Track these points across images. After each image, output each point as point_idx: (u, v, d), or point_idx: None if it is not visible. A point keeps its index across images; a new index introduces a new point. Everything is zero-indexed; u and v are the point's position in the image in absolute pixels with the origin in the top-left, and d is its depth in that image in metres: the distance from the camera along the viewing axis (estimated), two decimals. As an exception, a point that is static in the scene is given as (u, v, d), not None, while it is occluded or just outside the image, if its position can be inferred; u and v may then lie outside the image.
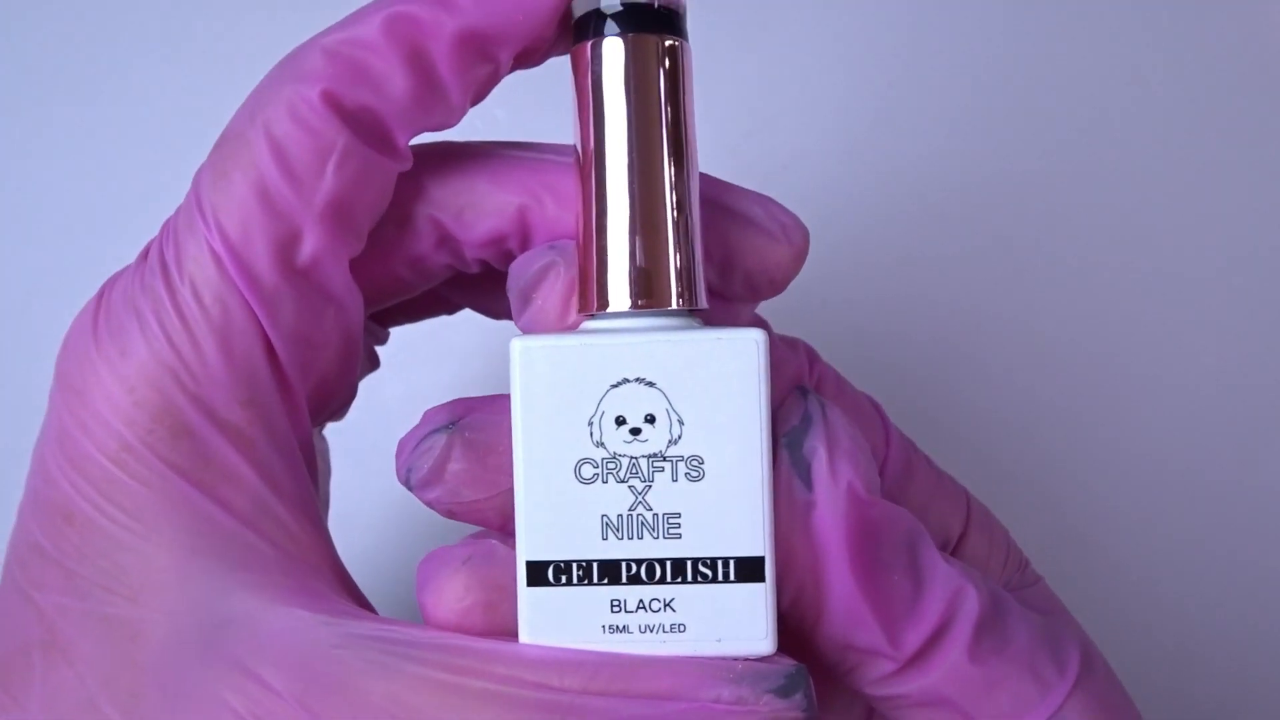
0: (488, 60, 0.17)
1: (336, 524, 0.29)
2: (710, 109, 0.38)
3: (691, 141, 0.18)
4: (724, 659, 0.15)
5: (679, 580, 0.16)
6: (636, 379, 0.16)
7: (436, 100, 0.17)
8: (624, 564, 0.16)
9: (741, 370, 0.16)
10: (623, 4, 0.17)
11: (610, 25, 0.17)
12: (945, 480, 0.21)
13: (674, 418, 0.16)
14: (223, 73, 0.39)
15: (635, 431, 0.16)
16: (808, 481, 0.16)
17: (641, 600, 0.16)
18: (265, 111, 0.17)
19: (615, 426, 0.16)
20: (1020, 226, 0.36)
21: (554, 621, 0.16)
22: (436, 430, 0.16)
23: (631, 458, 0.16)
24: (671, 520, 0.16)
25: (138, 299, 0.17)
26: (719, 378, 0.16)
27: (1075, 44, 0.38)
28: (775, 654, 0.16)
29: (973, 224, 0.36)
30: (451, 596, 0.16)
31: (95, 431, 0.16)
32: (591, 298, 0.17)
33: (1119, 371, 0.35)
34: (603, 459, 0.16)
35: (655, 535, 0.16)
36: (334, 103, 0.17)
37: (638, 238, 0.16)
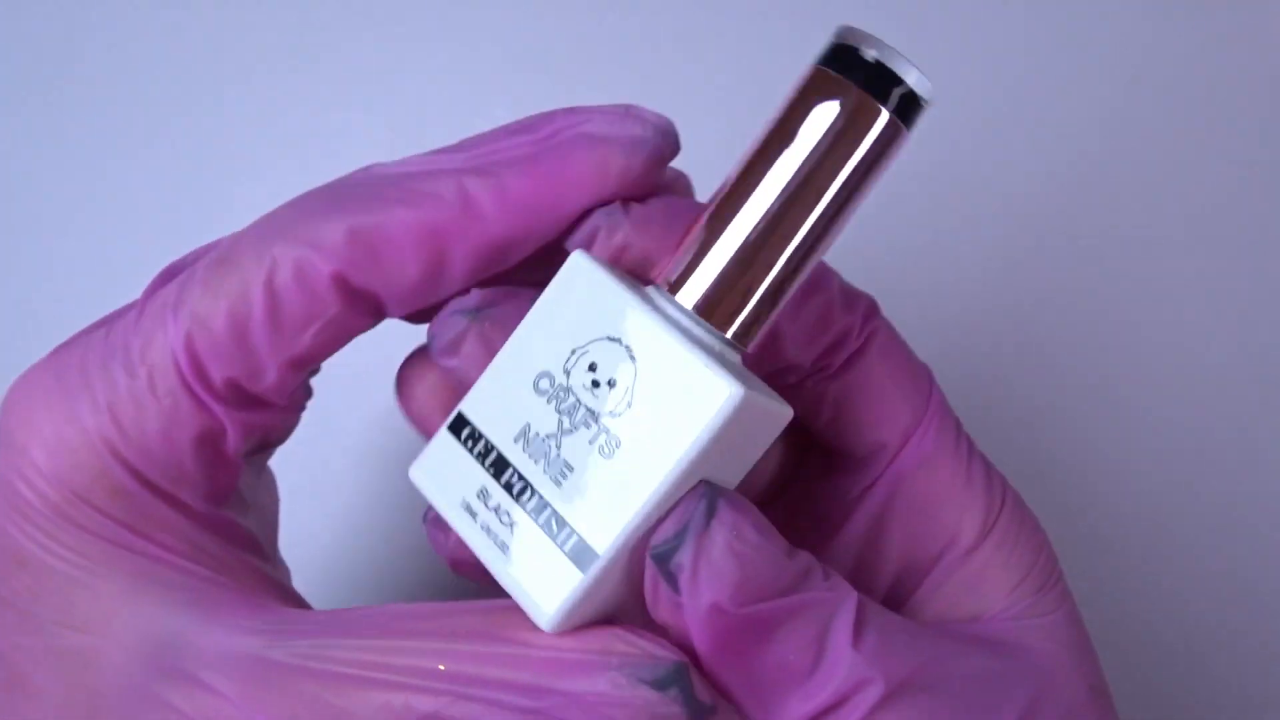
0: (502, 262, 0.18)
1: (335, 523, 0.29)
2: (711, 109, 0.38)
3: (847, 218, 0.17)
4: (605, 651, 0.16)
5: (533, 516, 0.17)
6: (628, 347, 0.16)
7: (442, 290, 0.18)
8: (513, 470, 0.17)
9: (699, 409, 0.16)
10: (884, 70, 0.17)
11: (868, 79, 0.17)
12: (976, 485, 0.20)
13: (629, 396, 0.16)
14: (222, 75, 0.39)
15: (595, 384, 0.17)
16: (675, 588, 0.16)
17: (500, 506, 0.17)
18: (274, 252, 0.17)
19: (586, 370, 0.17)
20: (1021, 226, 0.36)
21: (436, 471, 0.18)
22: (463, 313, 0.18)
23: (578, 400, 0.17)
24: (565, 468, 0.17)
25: (93, 377, 0.17)
26: (681, 398, 0.16)
27: (1076, 43, 0.38)
28: (662, 648, 0.16)
29: (973, 223, 0.36)
30: (422, 391, 0.19)
31: (38, 484, 0.17)
32: (671, 272, 0.17)
33: (1121, 370, 0.35)
34: (559, 385, 0.17)
35: (546, 470, 0.17)
36: (342, 283, 0.17)
37: (740, 264, 0.17)
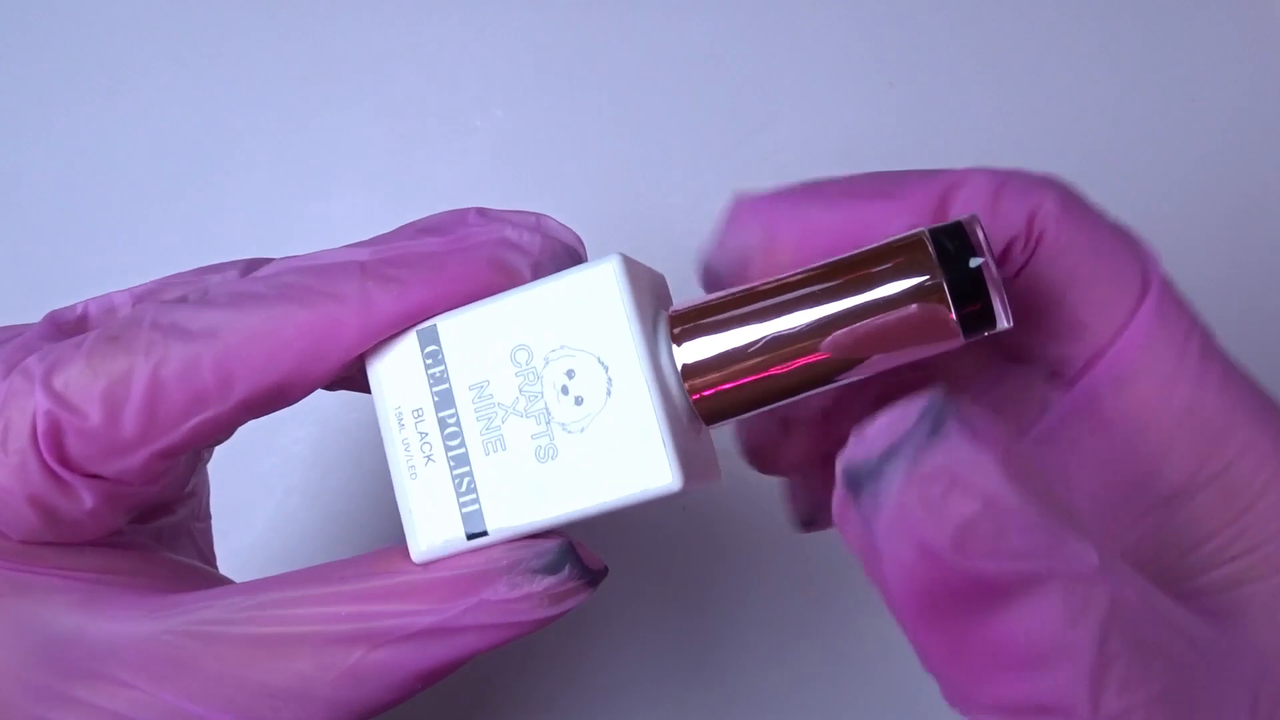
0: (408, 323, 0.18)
1: (334, 524, 0.29)
2: (712, 109, 0.38)
3: (863, 372, 0.16)
4: (490, 561, 0.17)
5: (451, 464, 0.17)
6: (610, 379, 0.16)
7: (326, 380, 0.18)
8: (455, 413, 0.17)
9: (638, 477, 0.16)
10: (979, 286, 0.15)
11: (960, 281, 0.15)
12: (1207, 411, 0.16)
13: (587, 424, 0.16)
14: (222, 75, 0.39)
15: (565, 391, 0.17)
16: (870, 527, 0.14)
17: (427, 435, 0.17)
18: (167, 344, 0.17)
19: (563, 373, 0.17)
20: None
21: (390, 370, 0.18)
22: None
23: (542, 394, 0.17)
24: (500, 444, 0.17)
25: None
26: (628, 457, 0.16)
27: (1076, 42, 0.38)
28: (542, 536, 0.17)
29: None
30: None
31: None
32: (690, 319, 0.17)
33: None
34: (533, 369, 0.17)
35: (483, 434, 0.17)
36: (235, 387, 0.17)
37: (744, 359, 0.16)
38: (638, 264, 0.18)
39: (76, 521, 0.18)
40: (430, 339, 0.18)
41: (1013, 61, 0.38)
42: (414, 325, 0.18)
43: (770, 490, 0.35)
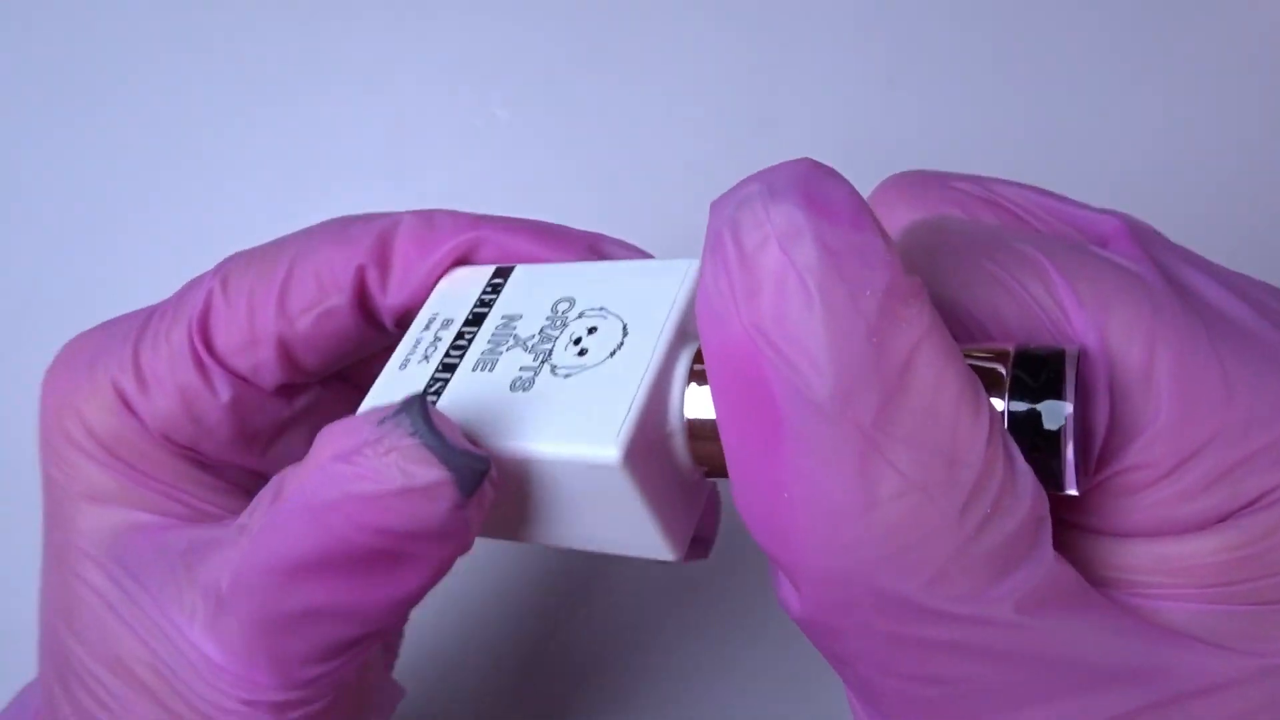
0: None
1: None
2: (713, 108, 0.38)
3: None
4: (367, 420, 0.16)
5: (437, 370, 0.17)
6: (621, 343, 0.16)
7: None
8: (476, 332, 0.17)
9: (586, 437, 0.15)
10: (1050, 442, 0.12)
11: (1027, 430, 0.12)
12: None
13: (576, 374, 0.16)
14: (223, 74, 0.39)
15: (577, 341, 0.16)
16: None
17: (439, 340, 0.17)
18: (303, 246, 0.19)
19: (587, 329, 0.16)
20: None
21: (457, 284, 0.18)
22: None
23: (555, 338, 0.16)
24: (490, 366, 0.17)
25: (127, 327, 0.19)
26: (590, 414, 0.15)
27: (1077, 41, 0.38)
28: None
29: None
30: None
31: (51, 406, 0.19)
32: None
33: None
34: (564, 317, 0.17)
35: (484, 354, 0.17)
36: (360, 279, 0.18)
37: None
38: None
39: (211, 421, 0.18)
40: (503, 274, 0.18)
41: (1013, 60, 0.38)
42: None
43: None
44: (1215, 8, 0.38)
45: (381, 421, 0.14)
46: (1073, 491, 0.13)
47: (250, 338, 0.18)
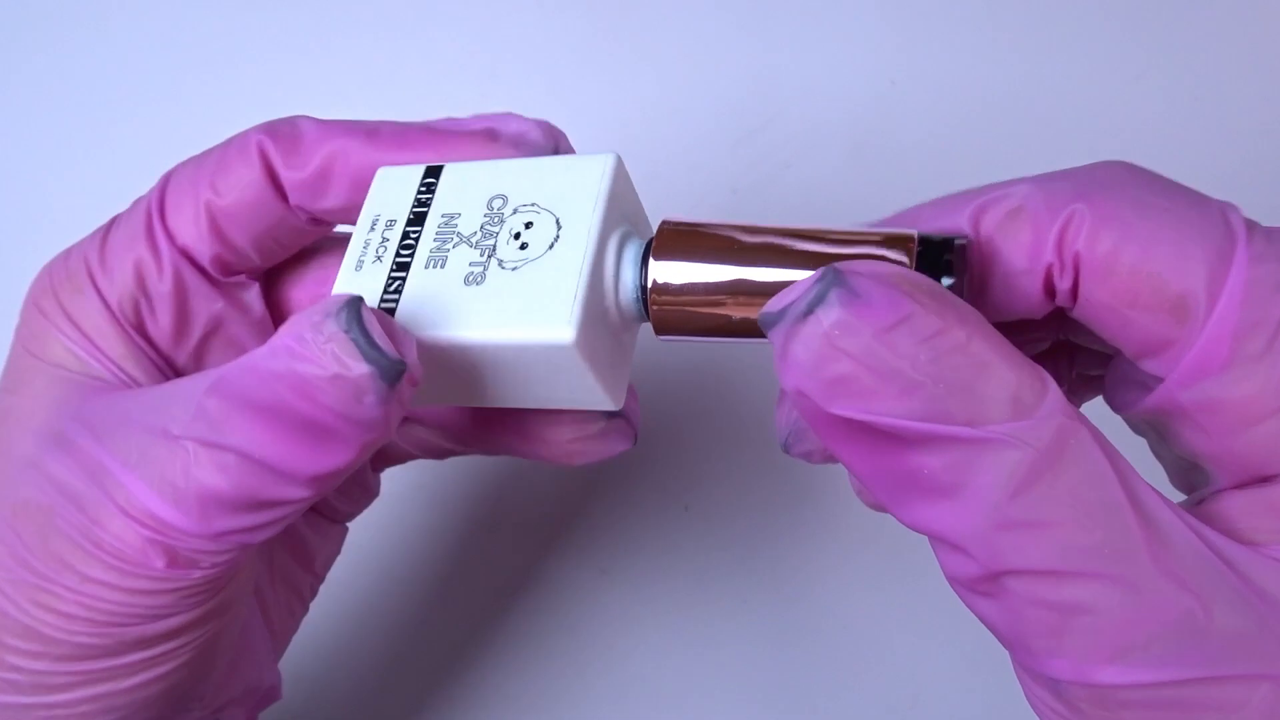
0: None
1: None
2: (714, 107, 0.38)
3: None
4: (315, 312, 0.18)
5: (391, 269, 0.19)
6: (558, 237, 0.18)
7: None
8: (420, 231, 0.19)
9: (537, 321, 0.17)
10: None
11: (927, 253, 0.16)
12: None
13: (522, 267, 0.18)
14: (223, 73, 0.39)
15: (517, 236, 0.18)
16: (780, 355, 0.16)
17: (387, 241, 0.19)
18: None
19: (524, 223, 0.18)
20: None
21: (391, 182, 0.20)
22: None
23: (496, 233, 0.18)
24: (441, 263, 0.18)
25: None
26: (538, 303, 0.17)
27: (1079, 41, 0.38)
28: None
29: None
30: None
31: (35, 289, 0.22)
32: (674, 238, 0.18)
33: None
34: (499, 213, 0.19)
35: (432, 251, 0.19)
36: (263, 151, 0.21)
37: (700, 298, 0.18)
38: (628, 178, 0.19)
39: (157, 296, 0.21)
40: (433, 173, 0.20)
41: (1015, 59, 0.38)
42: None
43: (772, 486, 0.35)
44: (1220, 4, 0.38)
45: (327, 315, 0.17)
46: None
47: (190, 214, 0.21)
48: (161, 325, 0.21)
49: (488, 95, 0.38)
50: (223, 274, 0.21)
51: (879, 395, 0.14)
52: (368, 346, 0.16)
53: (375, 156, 0.20)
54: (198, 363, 0.22)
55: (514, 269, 0.18)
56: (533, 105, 0.38)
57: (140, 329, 0.21)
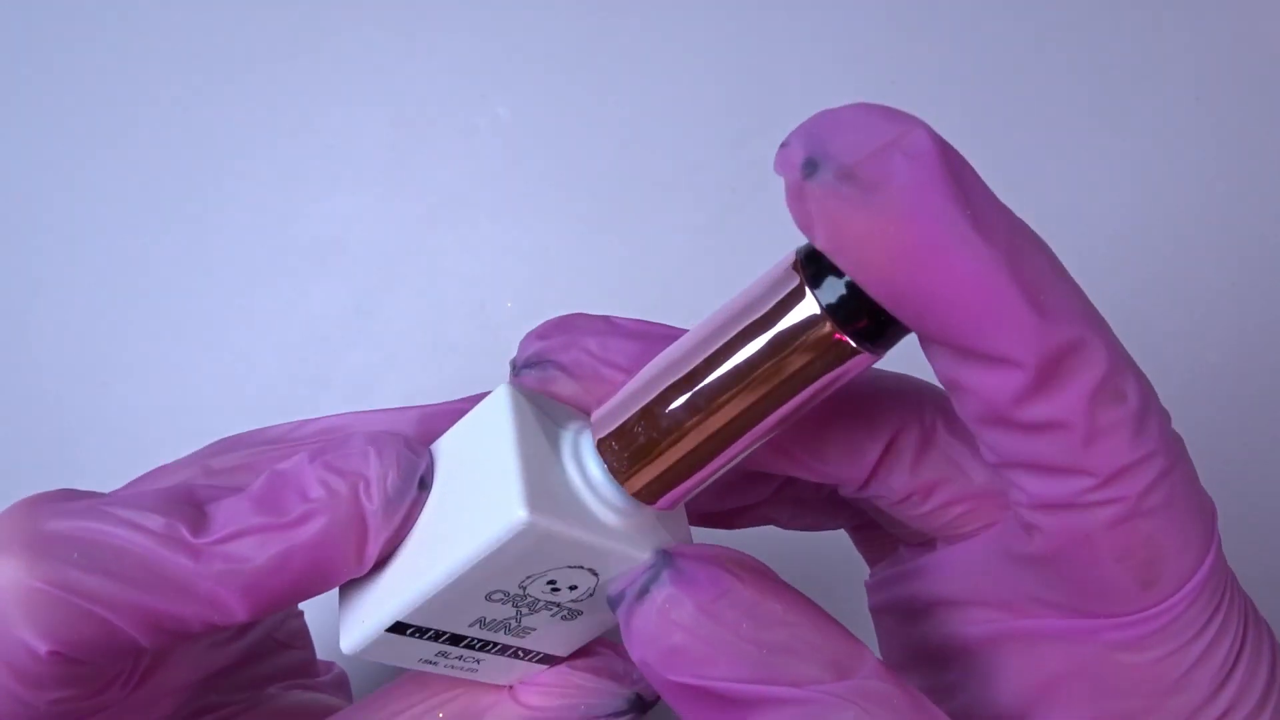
0: None
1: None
2: (715, 109, 0.38)
3: (769, 429, 0.16)
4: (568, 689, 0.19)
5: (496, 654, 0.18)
6: (583, 567, 0.17)
7: None
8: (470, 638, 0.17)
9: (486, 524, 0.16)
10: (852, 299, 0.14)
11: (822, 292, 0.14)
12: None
13: (583, 599, 0.17)
14: (224, 72, 0.39)
15: (555, 589, 0.17)
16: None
17: (464, 656, 0.18)
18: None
19: (548, 587, 0.17)
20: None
21: (382, 650, 0.17)
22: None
23: (539, 602, 0.17)
24: (519, 630, 0.18)
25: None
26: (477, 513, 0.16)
27: (1080, 42, 0.38)
28: (617, 685, 0.19)
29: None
30: None
31: None
32: (608, 425, 0.17)
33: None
34: (511, 596, 0.17)
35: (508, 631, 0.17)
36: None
37: (660, 453, 0.16)
38: (532, 422, 0.17)
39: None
40: (400, 628, 0.17)
41: (1016, 61, 0.38)
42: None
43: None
44: (1220, 8, 0.38)
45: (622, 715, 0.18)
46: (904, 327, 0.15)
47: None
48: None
49: (486, 99, 0.38)
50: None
51: (710, 661, 0.16)
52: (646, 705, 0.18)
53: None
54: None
55: (590, 596, 0.17)
56: (533, 105, 0.38)
57: None
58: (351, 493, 0.16)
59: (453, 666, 0.18)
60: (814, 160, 0.13)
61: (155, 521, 0.16)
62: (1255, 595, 0.18)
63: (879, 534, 0.22)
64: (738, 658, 0.16)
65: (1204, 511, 0.16)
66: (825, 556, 0.17)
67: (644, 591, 0.16)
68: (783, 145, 0.14)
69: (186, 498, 0.17)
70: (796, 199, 0.14)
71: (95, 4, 0.39)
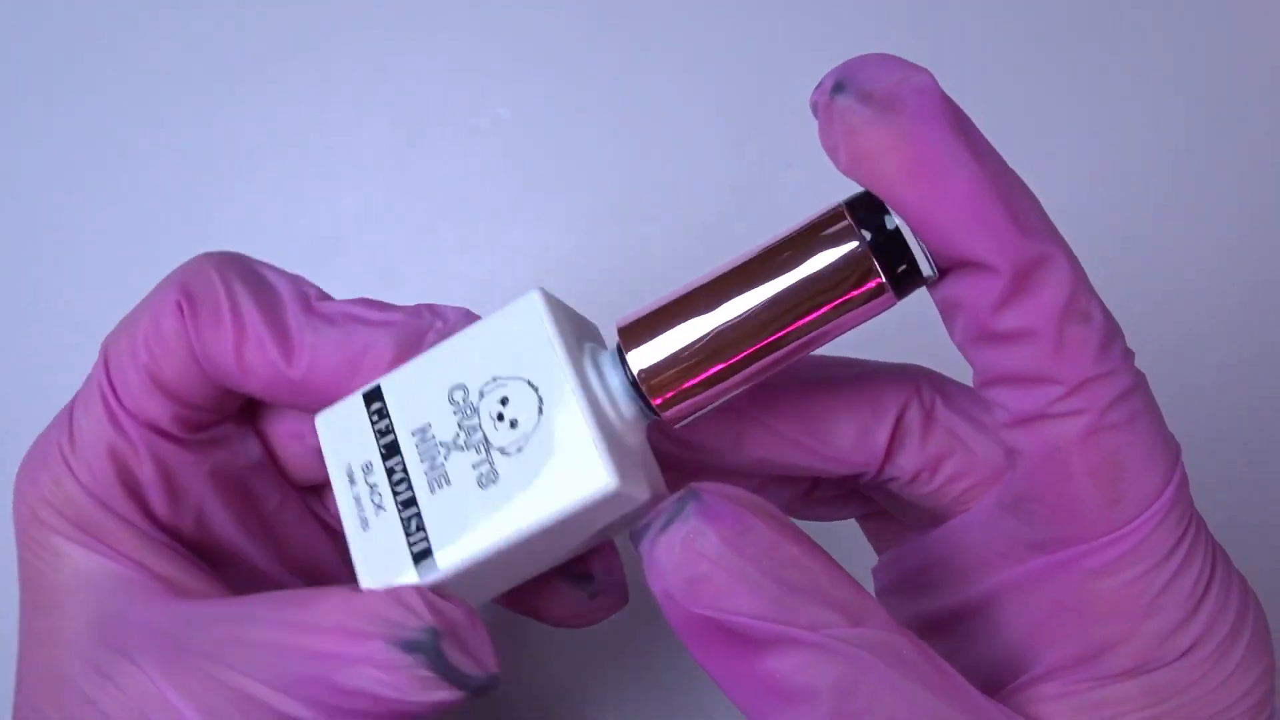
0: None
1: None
2: (715, 108, 0.38)
3: (810, 347, 0.17)
4: (375, 618, 0.17)
5: (400, 509, 0.18)
6: (541, 398, 0.17)
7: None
8: (400, 459, 0.18)
9: (576, 482, 0.17)
10: (898, 240, 0.17)
11: (880, 243, 0.17)
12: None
13: (523, 443, 0.17)
14: (224, 72, 0.39)
15: (500, 418, 0.17)
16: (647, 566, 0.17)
17: (376, 485, 0.18)
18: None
19: (498, 401, 0.18)
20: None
21: (338, 427, 0.19)
22: None
23: (479, 424, 0.18)
24: (445, 479, 0.18)
25: (63, 423, 0.21)
26: (565, 466, 0.17)
27: (1083, 44, 0.38)
28: (422, 613, 0.17)
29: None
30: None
31: (22, 501, 0.20)
32: (637, 330, 0.18)
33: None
34: (469, 403, 0.18)
35: (428, 472, 0.18)
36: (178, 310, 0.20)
37: (699, 352, 0.17)
38: (560, 302, 0.18)
39: (143, 479, 0.20)
40: (374, 396, 0.18)
41: (1017, 62, 0.38)
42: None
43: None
44: (1223, 9, 0.38)
45: (401, 648, 0.17)
46: (931, 273, 0.17)
47: (141, 386, 0.20)
48: (157, 507, 0.20)
49: (487, 99, 0.38)
50: (195, 431, 0.21)
51: (731, 593, 0.16)
52: (459, 677, 0.17)
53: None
54: (203, 529, 0.21)
55: (519, 450, 0.17)
56: (533, 105, 0.38)
57: (139, 512, 0.20)
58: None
59: (360, 498, 0.18)
60: (841, 83, 0.16)
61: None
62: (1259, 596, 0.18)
63: (889, 522, 0.23)
64: (758, 592, 0.16)
65: (1168, 444, 0.17)
66: (831, 548, 0.17)
67: (669, 523, 0.16)
68: (818, 85, 0.17)
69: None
70: (825, 121, 0.17)
71: (98, 6, 0.39)
